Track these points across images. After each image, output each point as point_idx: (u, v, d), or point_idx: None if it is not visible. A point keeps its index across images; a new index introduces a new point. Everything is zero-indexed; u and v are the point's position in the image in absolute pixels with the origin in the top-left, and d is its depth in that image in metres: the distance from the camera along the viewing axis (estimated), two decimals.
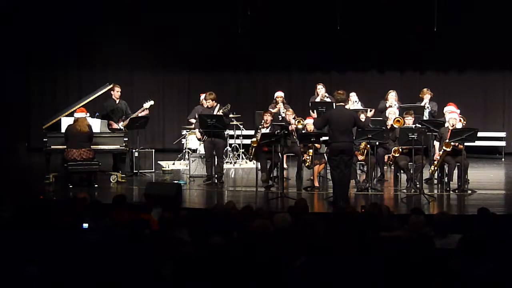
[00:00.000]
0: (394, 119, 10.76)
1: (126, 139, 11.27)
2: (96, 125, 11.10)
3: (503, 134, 14.96)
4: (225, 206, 7.01)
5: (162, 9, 15.04)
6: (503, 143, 14.87)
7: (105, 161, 11.29)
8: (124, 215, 6.54)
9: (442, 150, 10.13)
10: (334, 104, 9.83)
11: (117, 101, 11.83)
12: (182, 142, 13.32)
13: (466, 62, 15.29)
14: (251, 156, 10.83)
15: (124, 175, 11.22)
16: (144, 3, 14.99)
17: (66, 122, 10.77)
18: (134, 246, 5.14)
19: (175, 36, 15.20)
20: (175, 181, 10.78)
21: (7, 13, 14.77)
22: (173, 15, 15.10)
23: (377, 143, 10.21)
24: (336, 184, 9.25)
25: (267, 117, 10.80)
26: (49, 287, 4.64)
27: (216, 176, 10.82)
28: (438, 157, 10.27)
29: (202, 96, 11.65)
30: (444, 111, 11.13)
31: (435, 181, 10.99)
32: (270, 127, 10.75)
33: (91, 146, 10.54)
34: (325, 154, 10.51)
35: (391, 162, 10.65)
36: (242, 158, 13.49)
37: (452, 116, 10.39)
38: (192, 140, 12.29)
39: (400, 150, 10.16)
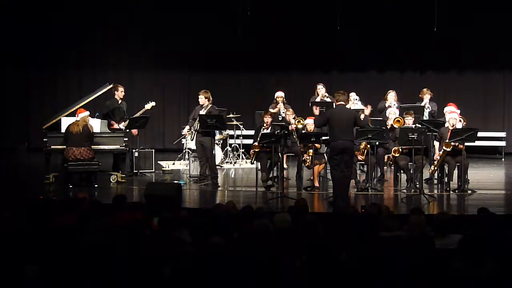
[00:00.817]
0: (394, 119, 10.76)
1: (126, 139, 11.28)
2: (96, 125, 11.10)
3: (503, 134, 14.97)
4: (225, 206, 7.01)
5: (162, 9, 15.05)
6: (503, 143, 14.88)
7: (105, 161, 11.28)
8: (124, 215, 6.53)
9: (442, 150, 10.13)
10: (334, 103, 9.83)
11: (120, 101, 11.81)
12: (182, 142, 13.32)
13: (466, 62, 15.29)
14: (252, 159, 10.75)
15: (124, 175, 11.21)
16: (144, 3, 14.99)
17: (66, 122, 10.76)
18: (134, 246, 5.13)
19: (175, 36, 15.20)
20: (175, 181, 10.78)
21: (7, 13, 14.78)
22: (173, 15, 15.10)
23: (377, 143, 10.20)
24: (336, 184, 9.24)
25: (268, 119, 10.78)
26: (49, 287, 4.64)
27: (212, 176, 10.78)
28: (438, 157, 10.27)
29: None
30: (444, 111, 11.13)
31: (435, 181, 11.00)
32: (270, 127, 10.75)
33: (91, 146, 10.54)
34: (325, 154, 10.52)
35: (391, 162, 10.65)
36: (242, 158, 13.49)
37: (452, 116, 10.39)
38: (192, 140, 12.30)
39: (400, 150, 10.16)
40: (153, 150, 12.32)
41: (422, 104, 11.81)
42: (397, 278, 4.49)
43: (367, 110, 11.19)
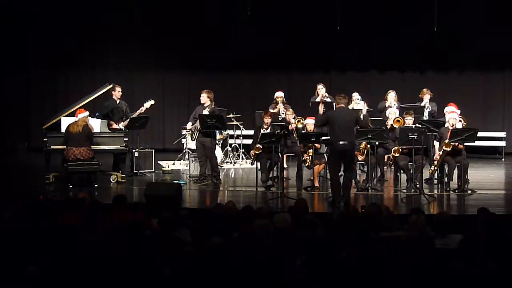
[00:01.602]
0: (394, 119, 10.76)
1: (126, 139, 11.27)
2: (96, 125, 11.10)
3: (503, 134, 14.96)
4: (225, 206, 7.01)
5: (162, 9, 15.04)
6: (503, 143, 14.88)
7: (105, 161, 11.28)
8: (124, 215, 6.54)
9: (442, 150, 10.13)
10: (334, 105, 9.84)
11: (118, 101, 11.82)
12: (182, 142, 13.32)
13: (466, 62, 15.28)
14: (253, 161, 10.72)
15: (124, 175, 11.22)
16: (144, 3, 14.99)
17: (66, 122, 10.77)
18: (134, 246, 5.13)
19: (175, 36, 15.19)
20: (175, 181, 10.78)
21: (7, 14, 14.79)
22: (173, 15, 15.09)
23: (377, 143, 10.20)
24: (333, 185, 9.23)
25: (268, 120, 10.78)
26: (49, 287, 4.64)
27: (213, 175, 10.79)
28: (438, 157, 10.27)
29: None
30: (444, 111, 11.12)
31: (435, 181, 10.99)
32: (270, 127, 10.75)
33: (91, 146, 10.54)
34: (325, 154, 10.52)
35: (391, 162, 10.64)
36: (242, 158, 13.49)
37: (452, 116, 10.39)
38: (193, 139, 12.30)
39: (400, 150, 10.16)
40: (153, 150, 12.31)
41: (422, 104, 11.81)
42: (397, 278, 4.49)
43: (364, 109, 11.16)
